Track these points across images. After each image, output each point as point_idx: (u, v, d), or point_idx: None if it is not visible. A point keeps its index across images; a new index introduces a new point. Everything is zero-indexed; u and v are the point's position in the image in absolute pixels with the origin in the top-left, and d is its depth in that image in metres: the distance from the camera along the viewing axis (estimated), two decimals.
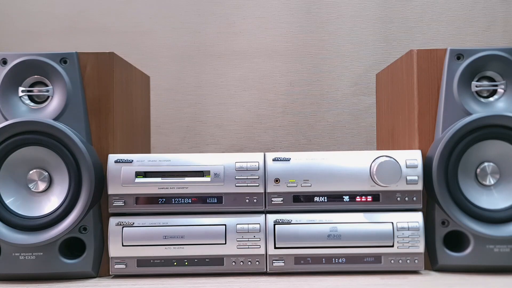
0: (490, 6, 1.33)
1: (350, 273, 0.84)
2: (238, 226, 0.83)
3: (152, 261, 0.84)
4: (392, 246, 0.83)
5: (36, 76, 0.86)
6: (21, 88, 0.85)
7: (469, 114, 0.84)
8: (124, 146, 0.92)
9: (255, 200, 0.84)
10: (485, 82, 0.87)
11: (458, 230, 0.84)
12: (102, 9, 1.35)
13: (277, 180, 0.84)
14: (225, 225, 0.84)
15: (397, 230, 0.83)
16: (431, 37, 1.33)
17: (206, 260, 0.84)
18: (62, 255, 0.83)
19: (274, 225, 0.84)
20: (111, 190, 0.84)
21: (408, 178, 0.83)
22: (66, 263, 0.83)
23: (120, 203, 0.84)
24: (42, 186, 0.83)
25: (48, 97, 0.86)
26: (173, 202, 0.84)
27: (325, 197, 0.84)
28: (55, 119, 0.84)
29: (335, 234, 0.83)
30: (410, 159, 0.84)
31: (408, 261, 0.84)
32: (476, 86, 0.86)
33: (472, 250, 0.84)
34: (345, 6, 1.34)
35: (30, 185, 0.83)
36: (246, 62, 1.35)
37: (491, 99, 0.86)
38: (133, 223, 0.84)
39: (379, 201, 0.84)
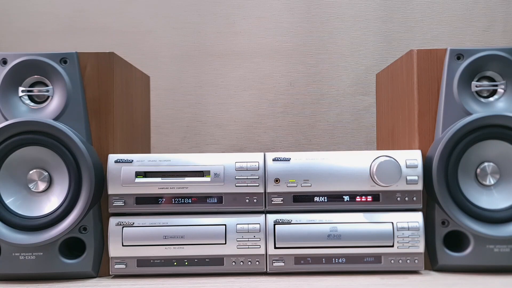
0: (490, 6, 1.33)
1: (350, 273, 0.84)
2: (238, 226, 0.83)
3: (152, 261, 0.84)
4: (392, 246, 0.83)
5: (36, 76, 0.86)
6: (21, 88, 0.85)
7: (469, 114, 0.84)
8: (124, 146, 0.92)
9: (255, 200, 0.84)
10: (485, 82, 0.87)
11: (458, 230, 0.84)
12: (102, 9, 1.35)
13: (277, 180, 0.84)
14: (225, 225, 0.84)
15: (397, 230, 0.83)
16: (431, 37, 1.33)
17: (206, 260, 0.84)
18: (62, 255, 0.83)
19: (274, 225, 0.84)
20: (111, 190, 0.84)
21: (408, 178, 0.83)
22: (66, 263, 0.83)
23: (120, 203, 0.84)
24: (42, 186, 0.83)
25: (48, 97, 0.86)
26: (173, 202, 0.84)
27: (325, 197, 0.84)
28: (55, 119, 0.84)
29: (335, 234, 0.83)
30: (410, 159, 0.84)
31: (408, 261, 0.84)
32: (476, 86, 0.86)
33: (472, 250, 0.84)
34: (345, 6, 1.34)
35: (30, 185, 0.83)
36: (246, 62, 1.35)
37: (491, 99, 0.86)
38: (133, 223, 0.84)
39: (379, 201, 0.84)
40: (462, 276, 0.82)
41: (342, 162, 0.84)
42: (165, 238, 0.83)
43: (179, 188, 0.84)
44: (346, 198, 0.84)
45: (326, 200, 0.84)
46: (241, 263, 0.84)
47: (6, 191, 0.82)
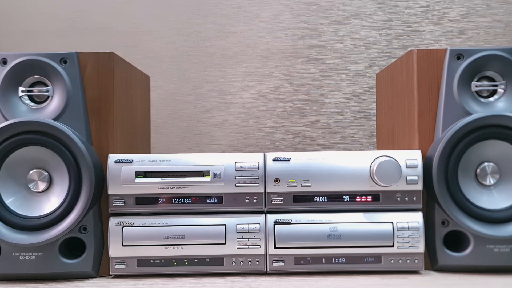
0: (490, 6, 1.33)
1: (350, 273, 0.84)
2: (238, 226, 0.83)
3: (152, 261, 0.84)
4: (392, 246, 0.83)
5: (36, 76, 0.86)
6: (21, 88, 0.85)
7: (469, 114, 0.84)
8: (124, 146, 0.92)
9: (255, 200, 0.84)
10: (485, 82, 0.87)
11: (458, 230, 0.84)
12: (102, 9, 1.35)
13: (277, 180, 0.84)
14: (225, 225, 0.84)
15: (397, 230, 0.83)
16: (431, 37, 1.33)
17: (206, 260, 0.84)
18: (62, 255, 0.83)
19: (274, 225, 0.84)
20: (111, 190, 0.84)
21: (408, 178, 0.83)
22: (66, 263, 0.83)
23: (120, 203, 0.84)
24: (42, 186, 0.83)
25: (48, 97, 0.86)
26: (173, 202, 0.84)
27: (325, 197, 0.84)
28: (55, 119, 0.84)
29: (335, 234, 0.83)
30: (410, 159, 0.84)
31: (408, 261, 0.84)
32: (476, 86, 0.86)
33: (472, 250, 0.84)
34: (345, 6, 1.34)
35: (30, 185, 0.83)
36: (246, 62, 1.35)
37: (491, 99, 0.86)
38: (133, 223, 0.84)
39: (379, 201, 0.84)
40: (462, 276, 0.82)
41: (342, 162, 0.84)
42: (165, 238, 0.83)
43: (179, 188, 0.84)
44: (346, 198, 0.84)
45: (326, 200, 0.84)
46: (241, 263, 0.84)
47: (6, 191, 0.82)
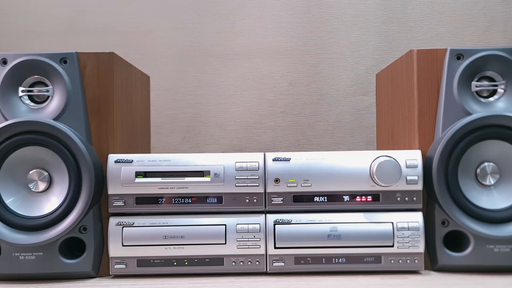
0: (490, 6, 1.33)
1: (350, 273, 0.84)
2: (238, 226, 0.83)
3: (152, 261, 0.84)
4: (392, 246, 0.83)
5: (36, 76, 0.86)
6: (21, 88, 0.85)
7: (469, 114, 0.84)
8: (124, 146, 0.92)
9: (255, 200, 0.84)
10: (485, 82, 0.87)
11: (458, 230, 0.84)
12: (102, 9, 1.35)
13: (277, 180, 0.84)
14: (225, 225, 0.84)
15: (397, 230, 0.83)
16: (431, 37, 1.33)
17: (206, 260, 0.84)
18: (62, 255, 0.83)
19: (274, 225, 0.84)
20: (111, 190, 0.84)
21: (408, 178, 0.83)
22: (66, 263, 0.83)
23: (120, 203, 0.84)
24: (42, 186, 0.83)
25: (48, 97, 0.86)
26: (173, 202, 0.84)
27: (325, 197, 0.84)
28: (55, 119, 0.84)
29: (335, 234, 0.83)
30: (410, 159, 0.84)
31: (408, 261, 0.84)
32: (476, 86, 0.86)
33: (472, 250, 0.84)
34: (345, 6, 1.34)
35: (30, 185, 0.83)
36: (246, 62, 1.35)
37: (491, 99, 0.86)
38: (133, 223, 0.84)
39: (379, 201, 0.84)
40: (462, 276, 0.82)
41: (342, 162, 0.84)
42: (165, 238, 0.83)
43: (179, 188, 0.84)
44: (346, 198, 0.84)
45: (326, 200, 0.84)
46: (241, 263, 0.84)
47: (6, 191, 0.82)
